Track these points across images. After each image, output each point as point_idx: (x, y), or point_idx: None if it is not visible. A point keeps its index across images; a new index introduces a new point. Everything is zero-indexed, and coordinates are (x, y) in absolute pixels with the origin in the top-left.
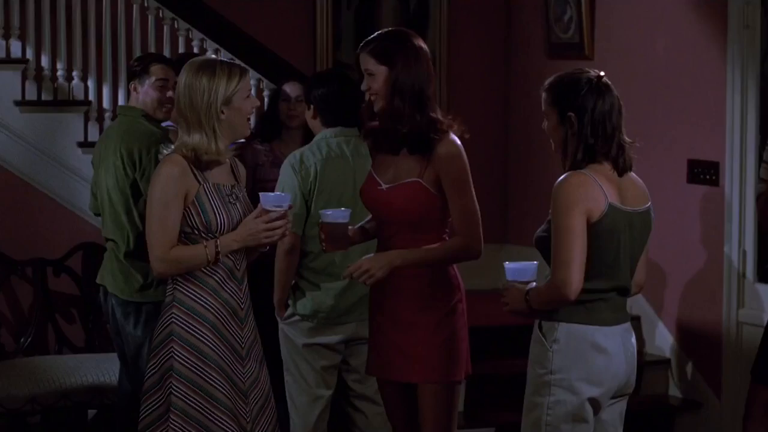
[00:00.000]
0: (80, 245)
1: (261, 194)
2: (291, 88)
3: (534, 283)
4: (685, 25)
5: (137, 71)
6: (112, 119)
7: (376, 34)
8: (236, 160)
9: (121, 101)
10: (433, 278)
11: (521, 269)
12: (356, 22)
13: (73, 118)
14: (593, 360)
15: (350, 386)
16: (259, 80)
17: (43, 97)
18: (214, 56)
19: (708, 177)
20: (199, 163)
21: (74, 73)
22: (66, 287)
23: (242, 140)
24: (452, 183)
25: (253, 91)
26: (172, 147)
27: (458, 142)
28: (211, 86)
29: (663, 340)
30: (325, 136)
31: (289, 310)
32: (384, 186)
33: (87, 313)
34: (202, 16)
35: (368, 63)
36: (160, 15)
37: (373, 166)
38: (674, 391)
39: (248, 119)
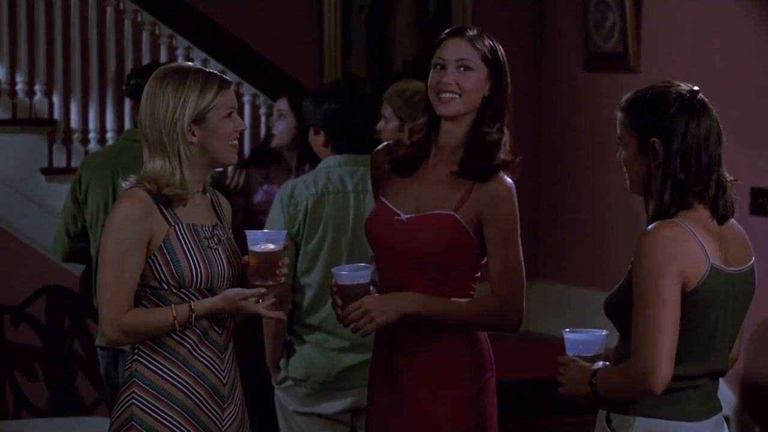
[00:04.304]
0: (43, 289)
1: (248, 233)
2: (275, 104)
3: (601, 363)
4: (746, 31)
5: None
6: (81, 141)
7: (467, 26)
8: (217, 192)
9: (91, 119)
10: (461, 343)
11: (587, 342)
12: (368, 28)
13: (35, 139)
14: None
15: None
16: (254, 95)
17: (1, 116)
18: (190, 63)
19: None
20: (166, 198)
21: (36, 87)
22: (26, 338)
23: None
24: (498, 230)
25: (246, 109)
26: (133, 178)
27: (510, 181)
28: (177, 98)
29: (722, 397)
30: (328, 164)
31: (282, 373)
32: (404, 216)
33: (51, 369)
34: (187, 20)
35: (470, 54)
36: (139, 19)
37: (383, 193)
38: None
39: (233, 144)
